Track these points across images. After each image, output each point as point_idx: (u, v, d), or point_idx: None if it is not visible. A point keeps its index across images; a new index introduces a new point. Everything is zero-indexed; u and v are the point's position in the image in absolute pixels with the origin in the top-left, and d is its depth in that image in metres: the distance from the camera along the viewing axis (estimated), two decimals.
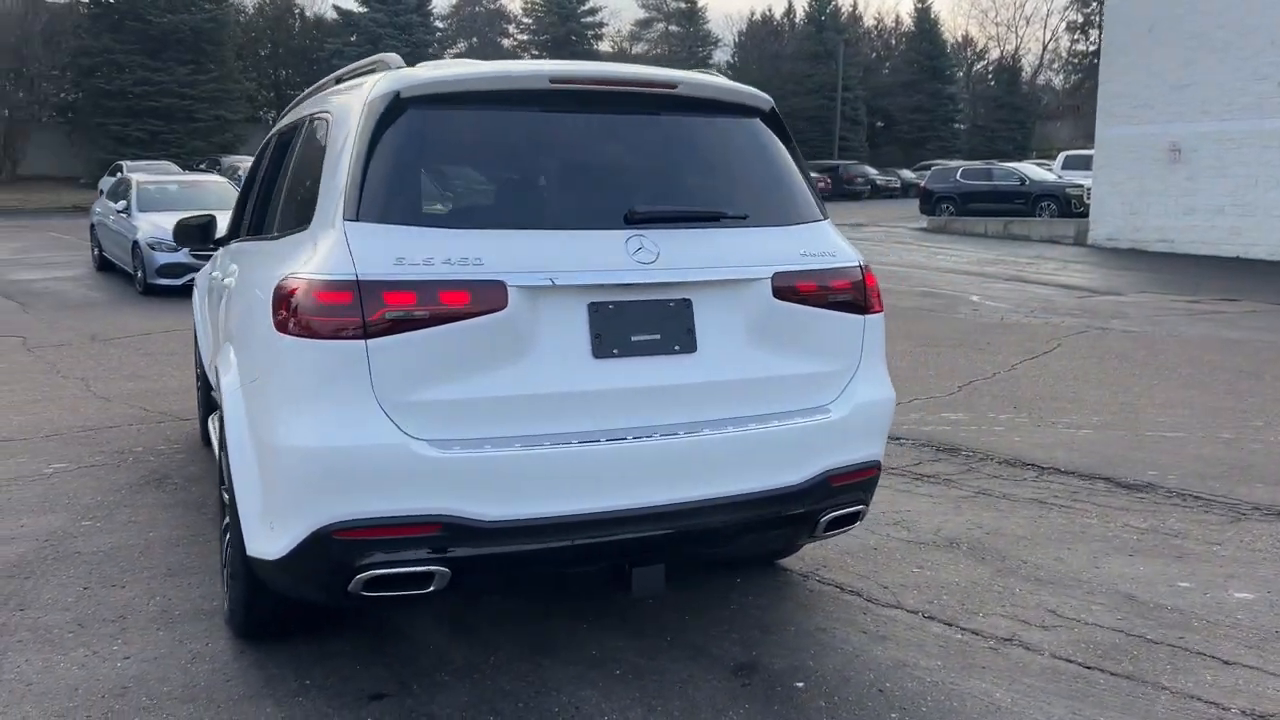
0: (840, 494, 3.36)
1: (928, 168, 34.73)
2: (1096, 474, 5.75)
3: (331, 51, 45.45)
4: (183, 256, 12.60)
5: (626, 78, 3.28)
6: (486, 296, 2.84)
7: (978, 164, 30.39)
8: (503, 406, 2.88)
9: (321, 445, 2.78)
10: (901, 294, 13.55)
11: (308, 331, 2.79)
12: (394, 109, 3.01)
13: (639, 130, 3.32)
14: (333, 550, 2.81)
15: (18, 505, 5.07)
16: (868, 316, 3.43)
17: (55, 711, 3.09)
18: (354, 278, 2.78)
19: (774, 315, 3.21)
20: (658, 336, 3.04)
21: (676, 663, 3.43)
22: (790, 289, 3.23)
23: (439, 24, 52.53)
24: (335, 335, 2.76)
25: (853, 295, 3.39)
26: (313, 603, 3.24)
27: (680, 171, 3.40)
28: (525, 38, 56.65)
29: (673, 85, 3.29)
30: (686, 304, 3.09)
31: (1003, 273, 16.48)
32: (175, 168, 26.20)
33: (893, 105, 59.73)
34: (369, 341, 2.76)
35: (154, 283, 13.04)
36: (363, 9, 46.43)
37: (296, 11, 50.74)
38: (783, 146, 3.50)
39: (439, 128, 3.08)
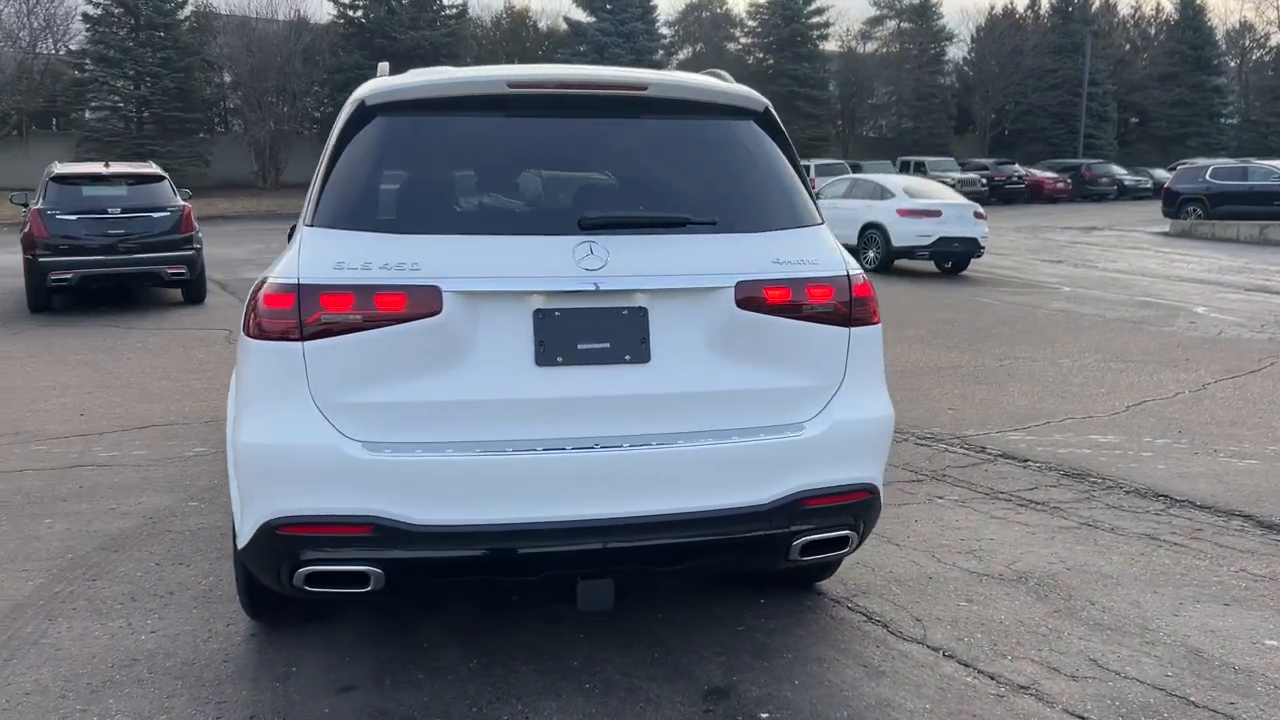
0: (816, 517, 3.14)
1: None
2: (1235, 510, 5.11)
3: (562, 61, 47.16)
4: None
5: (592, 80, 3.21)
6: (421, 301, 2.85)
7: (1230, 162, 27.70)
8: (438, 411, 2.88)
9: (265, 442, 2.89)
10: (1114, 303, 12.59)
11: (260, 333, 2.91)
12: (360, 117, 3.09)
13: (606, 134, 3.24)
14: (277, 544, 2.91)
15: (145, 484, 5.55)
16: (854, 329, 3.20)
17: (65, 676, 3.37)
18: (296, 282, 2.87)
19: (739, 326, 3.04)
20: (607, 345, 2.96)
21: (653, 681, 3.33)
22: (757, 298, 3.05)
23: (664, 30, 53.34)
24: (281, 337, 2.86)
25: (834, 306, 3.16)
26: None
27: (648, 176, 3.28)
28: (749, 41, 56.56)
29: (642, 87, 3.19)
30: (641, 313, 2.99)
31: (1244, 282, 14.95)
32: None
33: (1148, 100, 55.55)
34: (305, 344, 2.84)
35: None
36: (590, 19, 47.83)
37: (530, 23, 52.92)
38: (776, 149, 3.31)
39: (399, 134, 3.13)
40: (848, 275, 3.20)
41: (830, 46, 55.78)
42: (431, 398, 2.87)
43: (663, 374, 2.98)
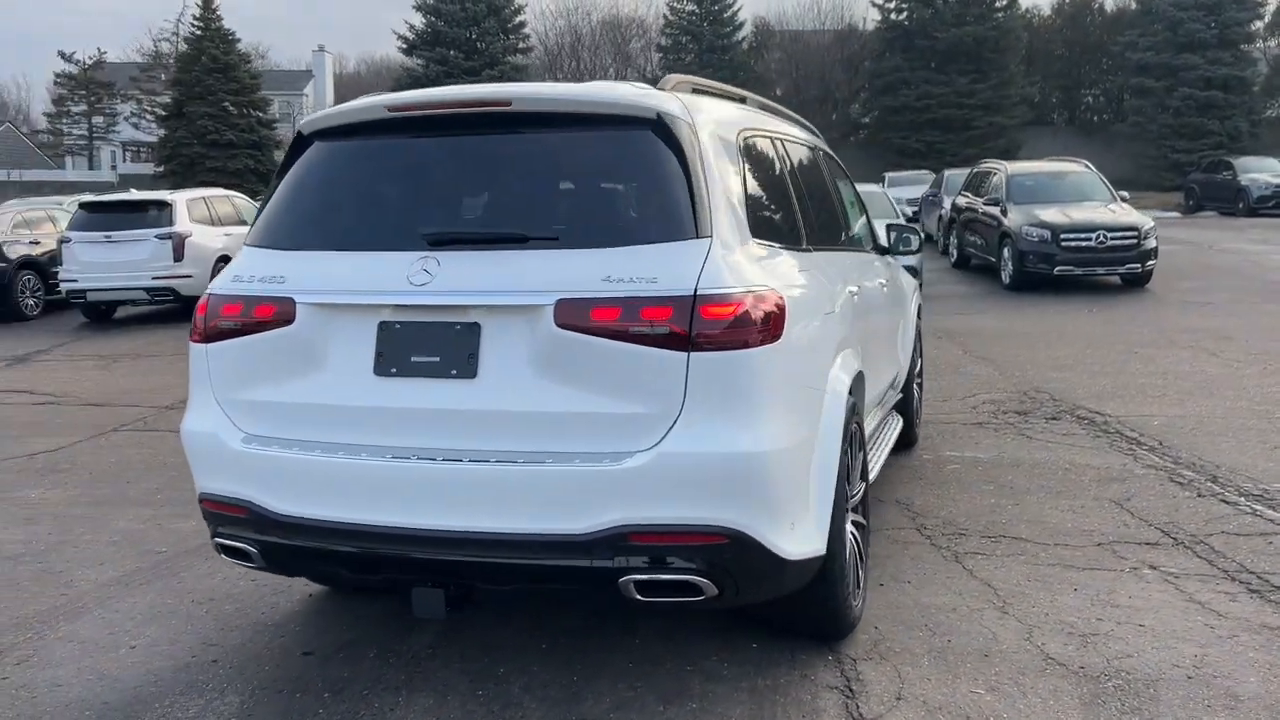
0: (647, 555, 2.82)
1: None
2: None
3: (1124, 44, 42.90)
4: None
5: (462, 99, 3.17)
6: (281, 311, 3.11)
7: None
8: (296, 412, 3.11)
9: (186, 428, 3.34)
10: None
11: (191, 335, 3.37)
12: (297, 144, 3.43)
13: (474, 150, 3.20)
14: (204, 515, 3.36)
15: None
16: (697, 354, 2.79)
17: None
18: (208, 292, 3.30)
19: (561, 346, 2.84)
20: (437, 359, 2.95)
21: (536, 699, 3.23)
22: (579, 318, 2.82)
23: None
24: (199, 340, 3.30)
25: (669, 328, 2.79)
26: None
27: (508, 191, 3.17)
28: None
29: (506, 102, 3.11)
30: (474, 329, 2.93)
31: None
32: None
33: None
34: (208, 345, 3.25)
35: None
36: None
37: (1095, 6, 48.71)
38: (671, 159, 3.00)
39: (305, 160, 3.38)
40: (694, 295, 2.81)
41: None
42: (291, 399, 3.11)
43: (488, 391, 2.91)
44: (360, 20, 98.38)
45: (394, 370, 2.99)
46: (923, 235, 14.64)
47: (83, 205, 14.79)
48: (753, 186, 3.42)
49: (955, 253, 17.65)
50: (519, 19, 43.28)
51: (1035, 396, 7.73)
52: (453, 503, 2.89)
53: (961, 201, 17.37)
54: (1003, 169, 15.97)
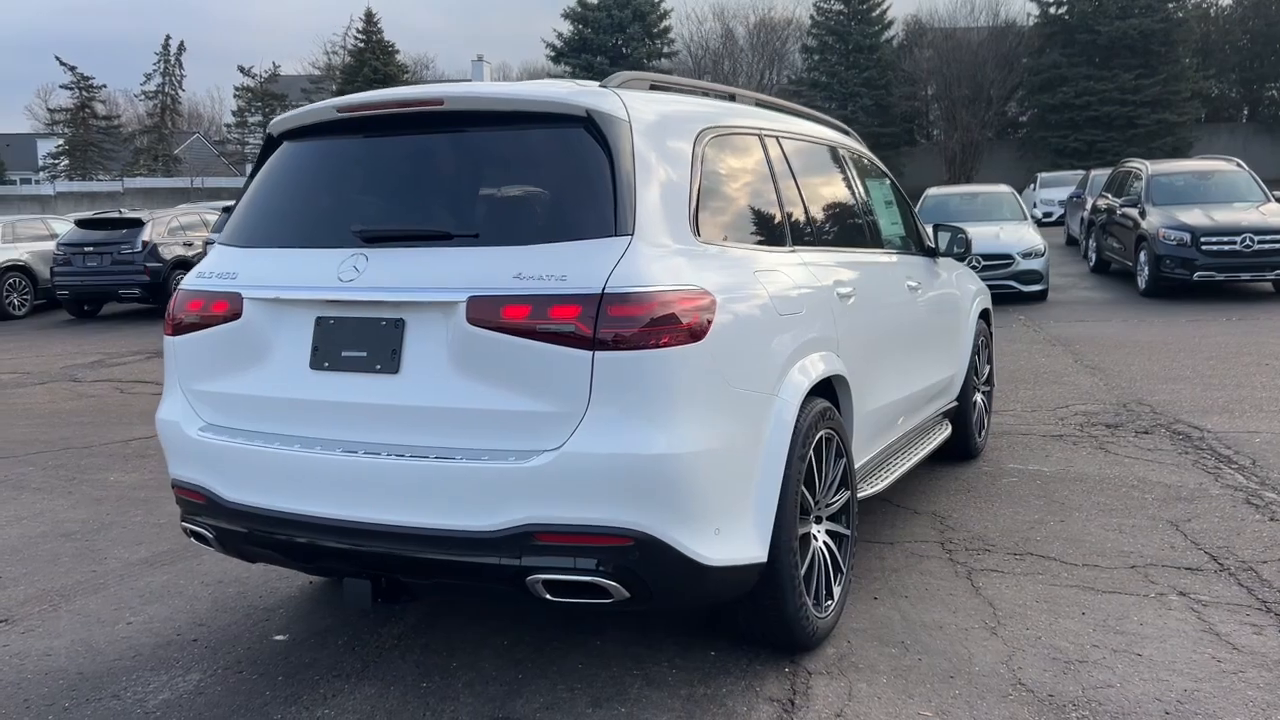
0: (553, 555, 2.78)
1: None
2: None
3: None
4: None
5: (398, 99, 3.20)
6: (232, 306, 3.23)
7: None
8: (244, 403, 3.22)
9: (159, 417, 3.49)
10: None
11: (164, 329, 3.53)
12: (268, 144, 3.55)
13: (413, 148, 3.23)
14: (176, 499, 3.51)
15: None
16: (603, 353, 2.73)
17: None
18: (179, 288, 3.45)
19: (474, 343, 2.84)
20: (364, 354, 3.00)
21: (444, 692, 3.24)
22: (490, 314, 2.81)
23: None
24: (170, 333, 3.45)
25: (576, 327, 2.74)
26: None
27: (435, 187, 3.19)
28: None
29: (439, 101, 3.13)
30: (399, 324, 2.97)
31: None
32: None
33: None
34: (175, 338, 3.40)
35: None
36: None
37: None
38: (597, 156, 2.96)
39: (275, 159, 3.49)
40: (601, 293, 2.75)
41: None
42: (241, 390, 3.22)
43: (408, 386, 2.94)
44: (525, 30, 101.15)
45: (327, 364, 3.06)
46: (1043, 243, 14.11)
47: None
48: (711, 185, 3.34)
49: (1094, 256, 16.77)
50: (664, 24, 43.57)
51: (1134, 409, 7.26)
52: (372, 496, 2.94)
53: (1101, 203, 16.50)
54: (1144, 168, 15.08)
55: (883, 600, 3.95)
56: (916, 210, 15.37)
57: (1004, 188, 16.61)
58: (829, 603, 3.55)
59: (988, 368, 6.37)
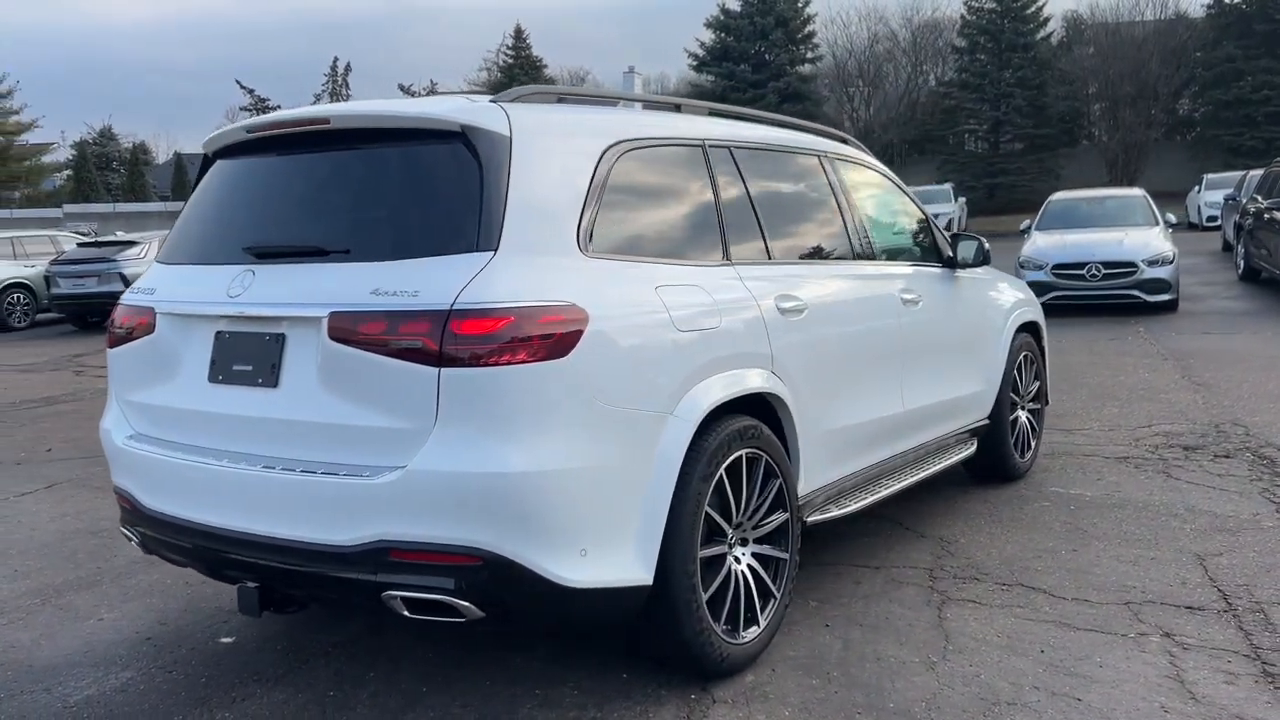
0: (406, 572, 2.76)
1: None
2: None
3: None
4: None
5: (290, 119, 3.26)
6: (150, 320, 3.37)
7: None
8: (159, 413, 3.35)
9: (100, 425, 3.66)
10: None
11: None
12: (204, 163, 3.68)
13: (304, 167, 3.29)
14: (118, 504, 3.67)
15: None
16: (449, 369, 2.69)
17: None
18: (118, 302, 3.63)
19: (336, 358, 2.86)
20: (250, 368, 3.08)
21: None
22: (347, 330, 2.83)
23: None
24: (109, 345, 3.61)
25: (422, 343, 2.72)
26: None
27: (319, 204, 3.22)
28: None
29: (325, 120, 3.17)
30: (280, 339, 3.02)
31: None
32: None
33: None
34: (110, 350, 3.57)
35: None
36: None
37: None
38: (469, 171, 2.93)
39: (206, 177, 3.61)
40: (449, 309, 2.71)
41: None
42: (156, 401, 3.35)
43: (284, 400, 2.99)
44: (689, 41, 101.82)
45: (221, 377, 3.16)
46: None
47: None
48: (617, 198, 3.26)
49: (1242, 263, 15.57)
50: (808, 29, 43.04)
51: (1226, 430, 6.69)
52: (249, 507, 3.00)
53: (1252, 206, 15.29)
54: None
55: (834, 628, 3.76)
56: (1039, 216, 14.87)
57: (1136, 191, 15.62)
58: (752, 629, 3.41)
59: (1036, 384, 5.99)
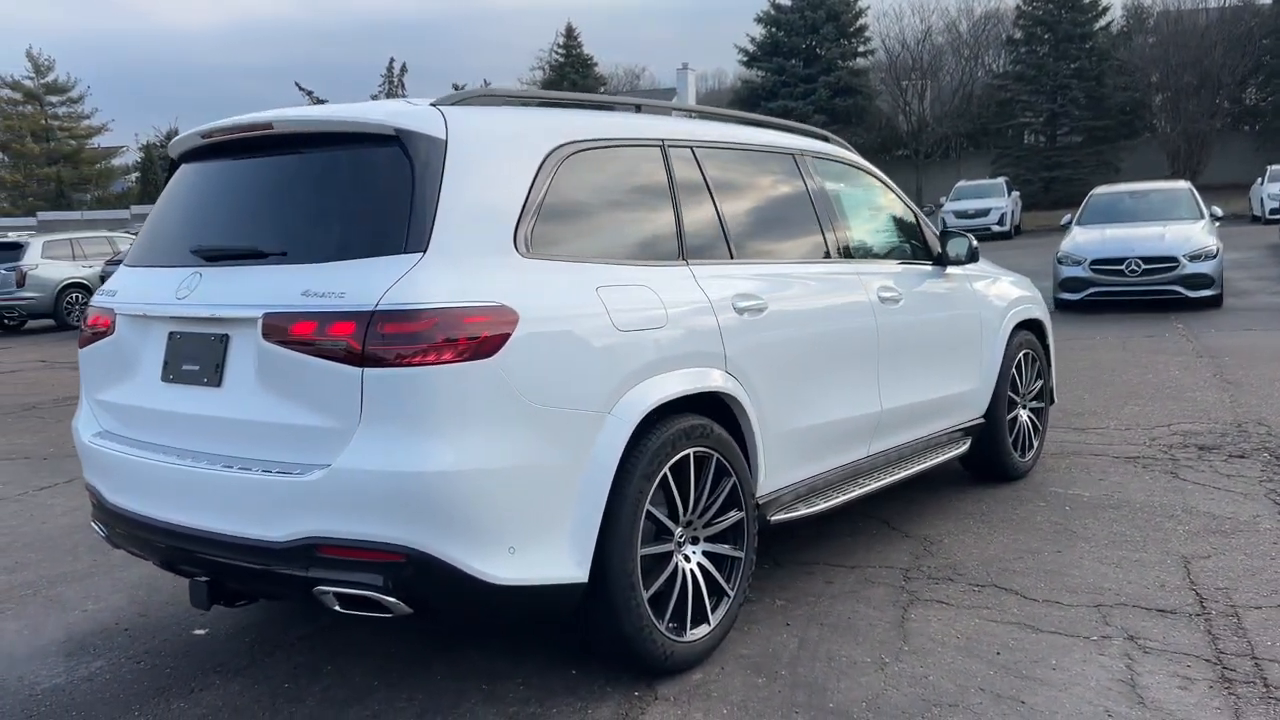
0: (335, 568, 2.82)
1: None
2: None
3: None
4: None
5: (237, 124, 3.33)
6: (110, 321, 3.48)
7: None
8: (120, 411, 3.45)
9: (72, 424, 3.79)
10: None
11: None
12: (170, 166, 3.77)
13: (250, 171, 3.36)
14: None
15: None
16: (372, 369, 2.74)
17: None
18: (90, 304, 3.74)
19: (271, 358, 2.93)
20: (198, 368, 3.16)
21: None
22: (282, 331, 2.89)
23: None
24: (79, 345, 3.72)
25: (348, 344, 2.76)
26: None
27: (261, 207, 3.29)
28: None
29: (268, 125, 3.22)
30: (224, 339, 3.10)
31: None
32: None
33: None
34: (80, 349, 3.68)
35: None
36: None
37: None
38: (401, 174, 2.96)
39: (171, 182, 3.70)
40: (373, 310, 2.75)
41: None
42: (118, 400, 3.45)
43: (226, 399, 3.06)
44: (743, 39, 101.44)
45: (172, 377, 3.25)
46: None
47: None
48: (562, 199, 3.27)
49: None
50: (860, 22, 42.60)
51: (1248, 429, 6.53)
52: (196, 503, 3.08)
53: None
54: None
55: (794, 627, 3.75)
56: (1080, 210, 14.55)
57: (1182, 184, 15.23)
58: (702, 627, 3.41)
59: (1039, 382, 5.89)
